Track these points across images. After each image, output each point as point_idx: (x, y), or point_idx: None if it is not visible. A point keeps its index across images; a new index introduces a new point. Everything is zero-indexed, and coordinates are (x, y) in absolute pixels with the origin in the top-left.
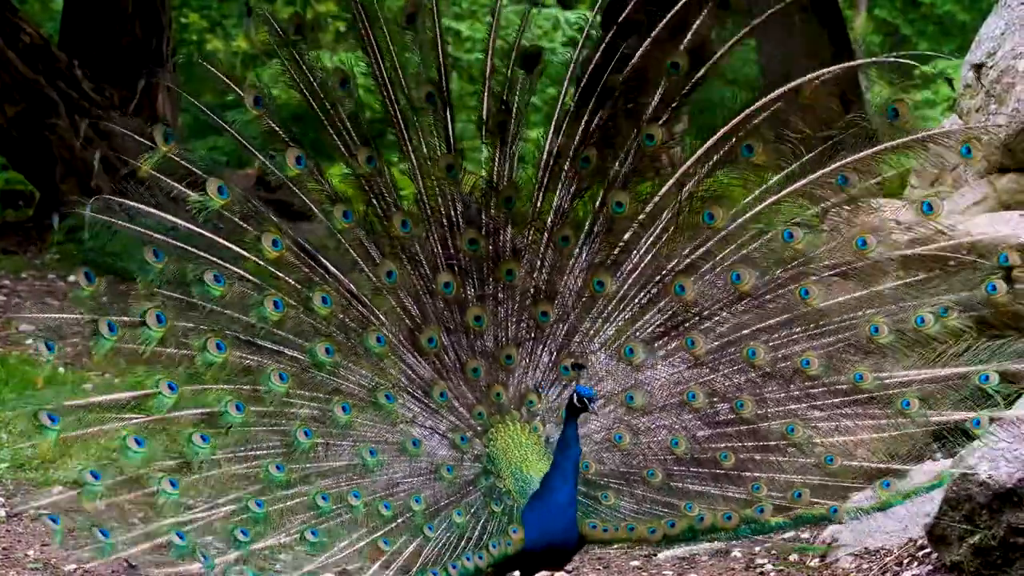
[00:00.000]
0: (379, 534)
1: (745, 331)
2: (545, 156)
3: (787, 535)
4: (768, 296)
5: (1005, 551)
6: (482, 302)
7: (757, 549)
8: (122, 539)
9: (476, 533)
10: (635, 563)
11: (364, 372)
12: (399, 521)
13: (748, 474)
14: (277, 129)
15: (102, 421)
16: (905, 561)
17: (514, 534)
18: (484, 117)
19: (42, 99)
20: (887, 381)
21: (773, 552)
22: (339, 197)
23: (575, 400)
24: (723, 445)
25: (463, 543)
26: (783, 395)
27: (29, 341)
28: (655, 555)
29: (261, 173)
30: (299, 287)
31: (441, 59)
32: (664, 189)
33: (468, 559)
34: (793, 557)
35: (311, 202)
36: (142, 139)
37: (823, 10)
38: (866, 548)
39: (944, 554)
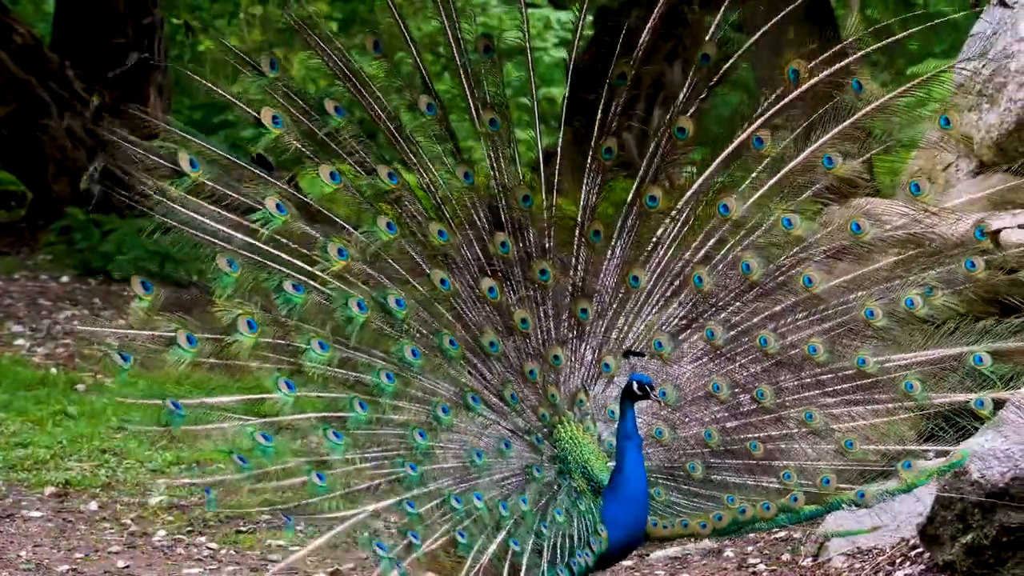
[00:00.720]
0: (503, 534)
1: (756, 319)
2: (558, 152)
3: (780, 535)
4: (773, 284)
5: (998, 550)
6: (523, 304)
7: (749, 549)
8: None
9: (576, 531)
10: (628, 563)
11: (448, 374)
12: (514, 520)
13: (778, 463)
14: (302, 148)
15: (223, 419)
16: (897, 560)
17: (602, 532)
18: (475, 117)
19: (34, 99)
20: (887, 365)
21: (765, 552)
22: (381, 209)
23: (635, 388)
24: (751, 435)
25: (570, 541)
26: (796, 383)
27: (20, 342)
28: (647, 555)
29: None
30: (372, 294)
31: (423, 71)
32: (697, 184)
33: (580, 555)
34: (785, 557)
35: (343, 218)
36: (159, 159)
37: (815, 10)
38: (858, 548)
39: (936, 554)
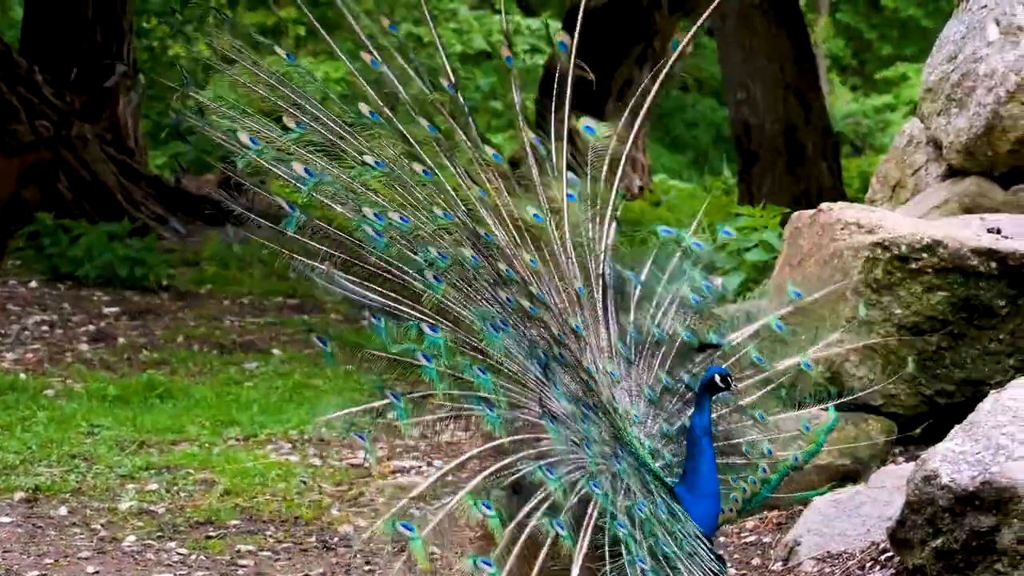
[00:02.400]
0: (655, 543)
1: (636, 312)
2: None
3: (750, 539)
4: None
5: (967, 554)
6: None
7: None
8: None
9: (688, 532)
10: None
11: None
12: (665, 526)
13: (735, 440)
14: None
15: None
16: (867, 565)
17: (699, 531)
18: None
19: (2, 104)
20: (734, 343)
21: (736, 556)
22: (427, 242)
23: (717, 380)
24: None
25: (697, 541)
26: (698, 368)
27: None
28: None
29: (223, 177)
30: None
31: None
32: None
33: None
34: (755, 561)
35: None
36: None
37: (784, 12)
38: (828, 552)
39: (906, 558)
